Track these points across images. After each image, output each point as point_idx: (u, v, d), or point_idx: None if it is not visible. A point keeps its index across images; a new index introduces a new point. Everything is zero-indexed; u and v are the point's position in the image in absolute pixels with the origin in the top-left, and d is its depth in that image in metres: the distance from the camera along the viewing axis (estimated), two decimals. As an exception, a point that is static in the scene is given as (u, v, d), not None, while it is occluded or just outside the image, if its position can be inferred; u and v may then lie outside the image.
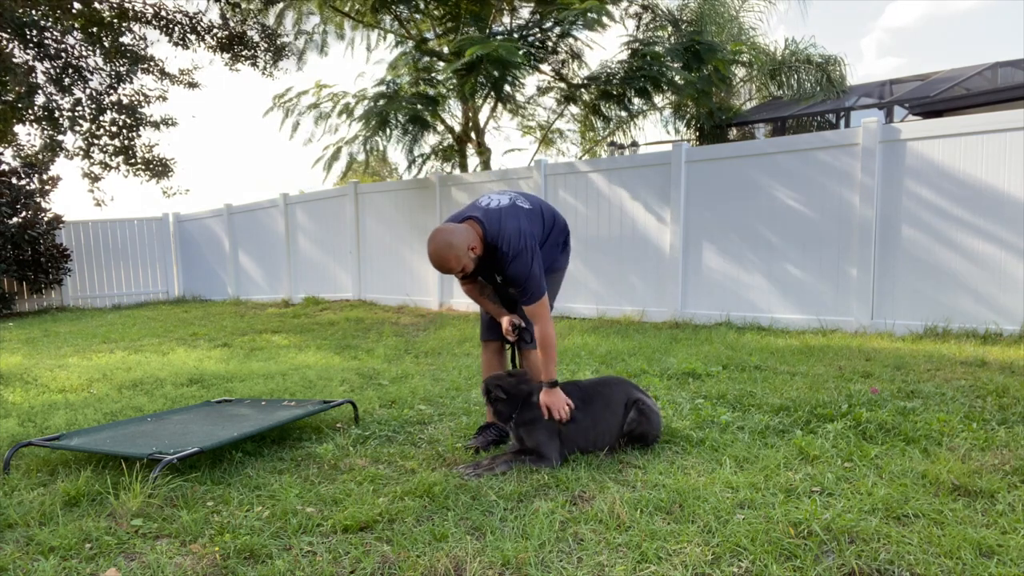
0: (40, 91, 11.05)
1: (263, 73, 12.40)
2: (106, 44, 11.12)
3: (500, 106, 12.01)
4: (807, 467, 2.81)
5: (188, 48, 11.70)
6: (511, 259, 2.99)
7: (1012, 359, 4.79)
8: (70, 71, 11.02)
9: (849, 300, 6.52)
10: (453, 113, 12.21)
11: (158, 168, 13.32)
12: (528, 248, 3.02)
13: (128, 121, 12.36)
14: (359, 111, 10.25)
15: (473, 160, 12.29)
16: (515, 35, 10.27)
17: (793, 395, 3.98)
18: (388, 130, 10.27)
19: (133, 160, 12.97)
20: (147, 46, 11.97)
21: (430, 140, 12.27)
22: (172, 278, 14.56)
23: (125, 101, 12.20)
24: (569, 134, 14.13)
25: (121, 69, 11.56)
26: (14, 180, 12.43)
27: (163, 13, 11.33)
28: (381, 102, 9.73)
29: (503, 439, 3.45)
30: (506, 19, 11.31)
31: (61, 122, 11.64)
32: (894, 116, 12.20)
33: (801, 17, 31.83)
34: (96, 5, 10.74)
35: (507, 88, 10.35)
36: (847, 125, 12.82)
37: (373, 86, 10.56)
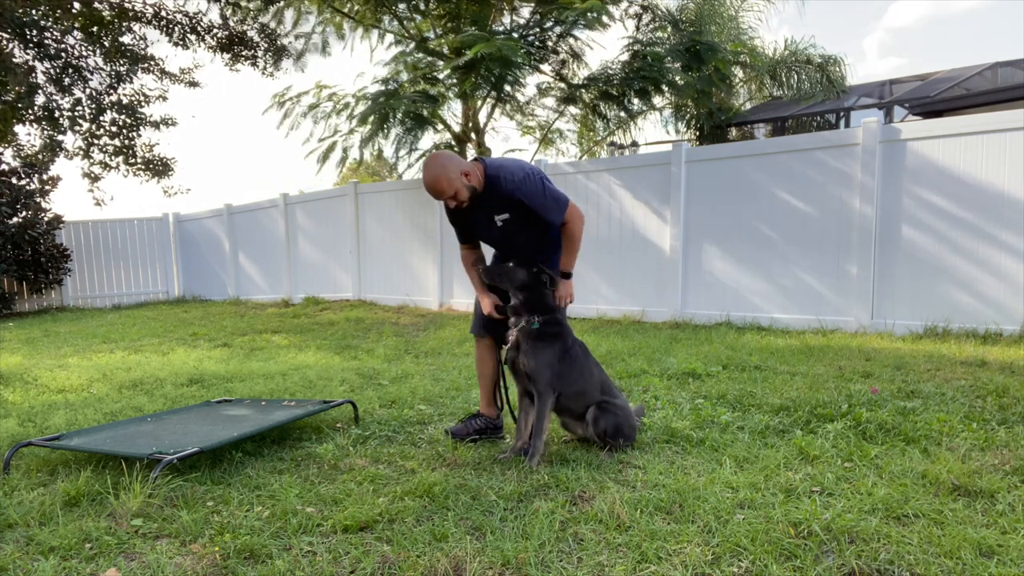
0: (40, 91, 11.04)
1: (263, 73, 12.40)
2: (106, 44, 11.11)
3: (500, 106, 12.02)
4: (807, 467, 2.81)
5: (188, 48, 11.70)
6: (516, 185, 3.03)
7: (1012, 359, 4.79)
8: (70, 71, 11.01)
9: (849, 300, 6.52)
10: (453, 113, 12.22)
11: (158, 168, 13.32)
12: (533, 173, 3.09)
13: (128, 121, 12.35)
14: (359, 109, 10.26)
15: (473, 160, 12.27)
16: (515, 35, 10.28)
17: (793, 395, 3.98)
18: (388, 128, 10.27)
19: (133, 160, 12.97)
20: (147, 46, 11.97)
21: (430, 139, 12.28)
22: (172, 278, 14.56)
23: (125, 101, 12.19)
24: (569, 134, 14.14)
25: (121, 69, 11.55)
26: (14, 180, 12.43)
27: (163, 13, 11.32)
28: (381, 99, 9.74)
29: (485, 431, 3.46)
30: (506, 19, 11.32)
31: (61, 122, 11.64)
32: (894, 116, 12.20)
33: (799, 17, 31.86)
34: (96, 5, 10.73)
35: (507, 87, 10.36)
36: (847, 125, 12.82)
37: (373, 83, 10.59)
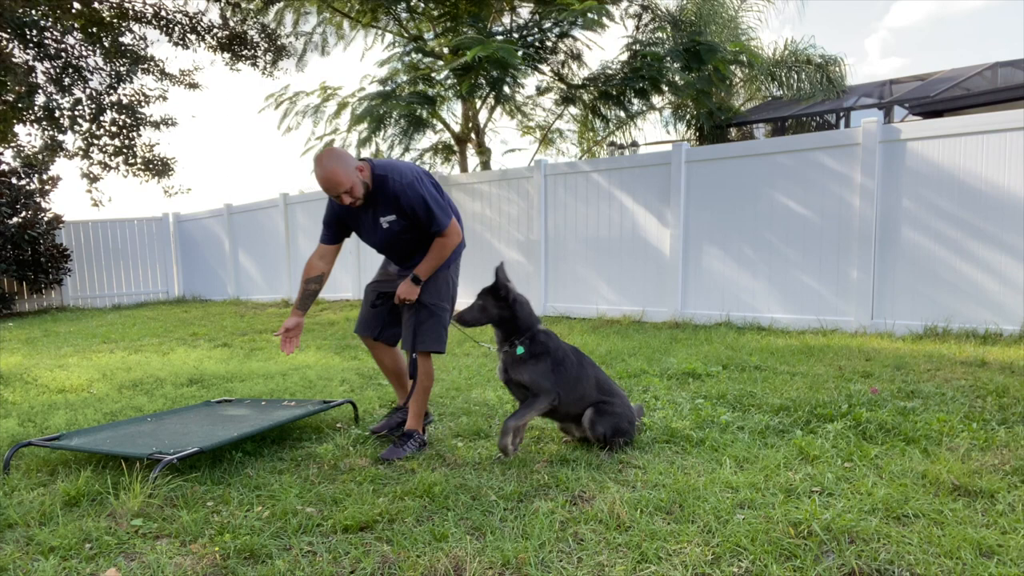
0: (40, 91, 11.04)
1: (263, 73, 12.41)
2: (106, 44, 11.11)
3: (499, 107, 12.02)
4: (807, 467, 2.81)
5: (188, 48, 11.71)
6: (404, 187, 3.04)
7: (1012, 359, 4.79)
8: (70, 71, 11.02)
9: (849, 300, 6.52)
10: (453, 113, 12.24)
11: (158, 168, 13.32)
12: (421, 178, 3.10)
13: (128, 121, 12.36)
14: (358, 109, 10.28)
15: (473, 160, 12.31)
16: (514, 35, 10.28)
17: (793, 395, 3.98)
18: (384, 129, 10.28)
19: (133, 160, 12.97)
20: (147, 46, 11.98)
21: (429, 139, 12.30)
22: (172, 278, 14.56)
23: (125, 101, 12.19)
24: (569, 134, 14.15)
25: (121, 69, 11.56)
26: (14, 180, 12.43)
27: (163, 13, 11.33)
28: (377, 100, 9.75)
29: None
30: (505, 19, 11.32)
31: (61, 122, 11.64)
32: (894, 116, 12.20)
33: (799, 16, 31.87)
34: (96, 5, 10.73)
35: (506, 89, 10.36)
36: (847, 125, 12.82)
37: (370, 83, 10.59)
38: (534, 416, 3.12)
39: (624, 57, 10.76)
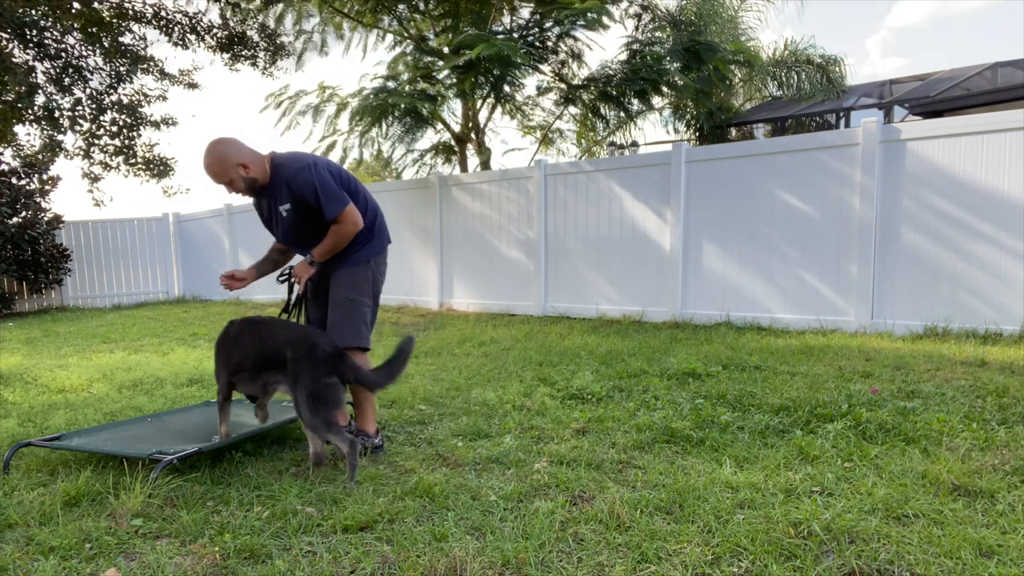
0: (40, 91, 11.03)
1: (263, 73, 12.40)
2: (106, 44, 11.11)
3: (499, 106, 12.02)
4: (807, 467, 2.81)
5: (188, 48, 11.71)
6: (292, 175, 3.08)
7: (1012, 359, 4.79)
8: (70, 71, 11.01)
9: (849, 300, 6.52)
10: (453, 112, 12.24)
11: (158, 168, 13.32)
12: (316, 165, 3.12)
13: (128, 121, 12.35)
14: (359, 107, 10.28)
15: (473, 160, 12.31)
16: (515, 35, 10.28)
17: (793, 395, 3.98)
18: (384, 125, 10.27)
19: (133, 160, 12.97)
20: (147, 46, 11.97)
21: (429, 138, 12.30)
22: (172, 278, 14.56)
23: (125, 101, 12.19)
24: (569, 134, 14.15)
25: (121, 69, 11.55)
26: (14, 180, 12.43)
27: (163, 13, 11.32)
28: (382, 95, 9.75)
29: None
30: (506, 19, 11.32)
31: (61, 122, 11.63)
32: (894, 116, 12.20)
33: (799, 16, 31.90)
34: (96, 5, 10.72)
35: (507, 88, 10.36)
36: (847, 125, 12.82)
37: (372, 80, 10.58)
38: (224, 413, 3.23)
39: (624, 57, 10.76)
